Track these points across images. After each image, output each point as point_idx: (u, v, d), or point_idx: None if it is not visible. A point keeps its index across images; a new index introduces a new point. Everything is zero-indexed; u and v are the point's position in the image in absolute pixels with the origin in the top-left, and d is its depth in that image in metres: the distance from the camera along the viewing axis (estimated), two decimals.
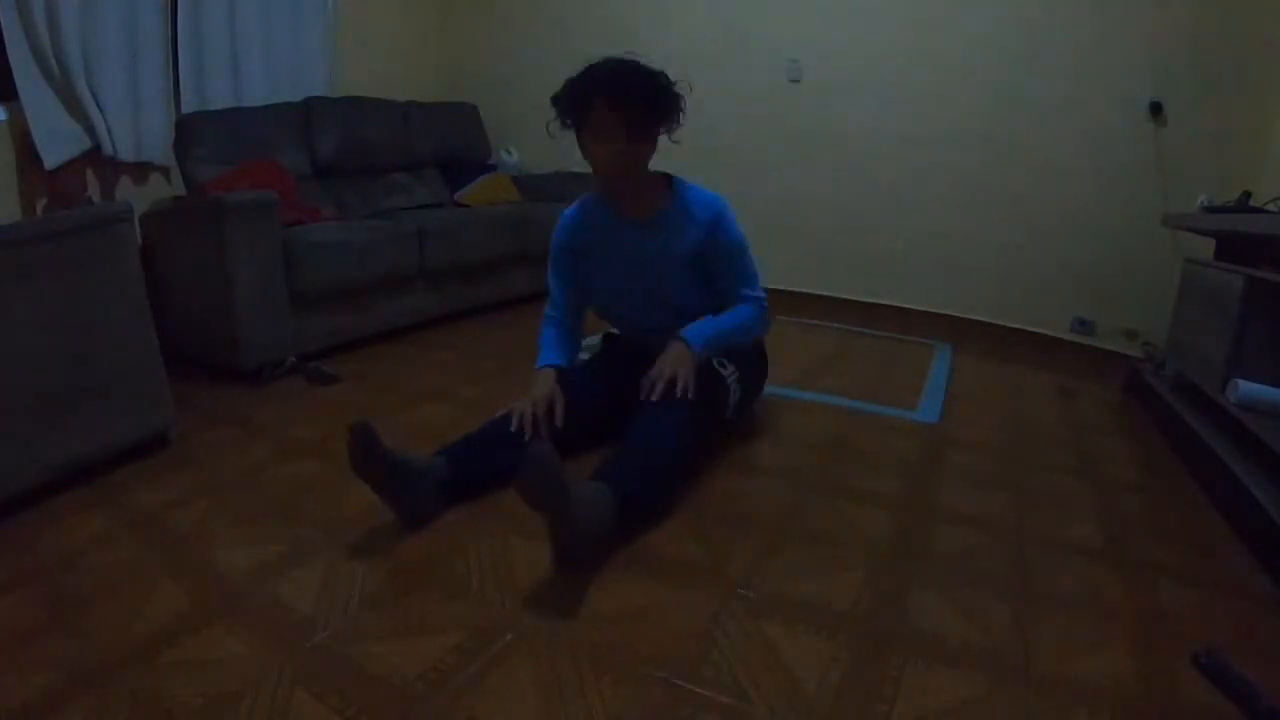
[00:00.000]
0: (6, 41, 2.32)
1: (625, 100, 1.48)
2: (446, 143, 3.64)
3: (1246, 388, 1.66)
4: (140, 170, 2.79)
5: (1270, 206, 1.98)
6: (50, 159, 2.43)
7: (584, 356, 1.90)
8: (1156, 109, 2.63)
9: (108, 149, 2.59)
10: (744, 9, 3.36)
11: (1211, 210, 2.21)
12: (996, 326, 3.11)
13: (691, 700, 0.97)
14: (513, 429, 1.51)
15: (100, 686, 0.97)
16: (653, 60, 1.55)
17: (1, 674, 1.00)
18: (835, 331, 3.10)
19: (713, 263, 1.69)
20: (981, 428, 2.07)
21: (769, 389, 2.23)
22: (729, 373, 1.70)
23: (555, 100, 1.56)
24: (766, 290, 1.78)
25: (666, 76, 1.56)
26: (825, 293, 3.45)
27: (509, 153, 3.99)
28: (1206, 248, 2.37)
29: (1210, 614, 1.23)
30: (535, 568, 1.27)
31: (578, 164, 3.74)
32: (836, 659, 1.07)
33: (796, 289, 3.49)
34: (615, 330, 1.96)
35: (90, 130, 2.54)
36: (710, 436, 1.71)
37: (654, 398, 1.48)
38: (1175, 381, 2.22)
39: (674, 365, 1.53)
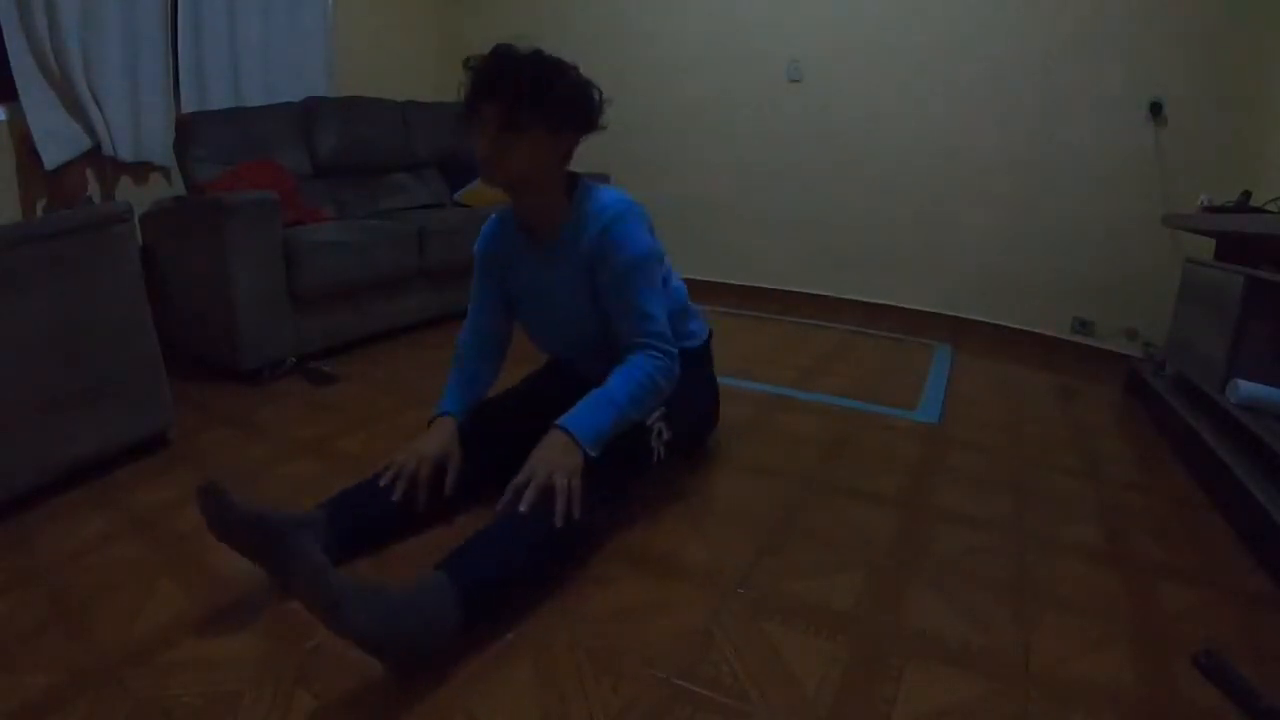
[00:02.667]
0: (6, 41, 2.32)
1: (499, 90, 1.24)
2: (446, 143, 3.64)
3: (1246, 388, 1.66)
4: (140, 170, 2.79)
5: (1270, 206, 1.98)
6: (50, 159, 2.43)
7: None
8: (1156, 109, 2.63)
9: (108, 149, 2.59)
10: (744, 9, 3.36)
11: (1211, 210, 2.21)
12: (996, 326, 3.11)
13: (691, 700, 0.97)
14: (382, 484, 1.28)
15: (100, 686, 0.97)
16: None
17: (1, 674, 1.00)
18: (835, 331, 3.10)
19: (602, 289, 1.36)
20: (981, 428, 2.07)
21: (770, 389, 2.22)
22: (660, 443, 1.42)
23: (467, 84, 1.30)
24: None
25: (570, 69, 1.32)
26: (825, 293, 3.45)
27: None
28: (1206, 248, 2.37)
29: (1210, 614, 1.23)
30: None
31: (576, 164, 3.76)
32: (836, 659, 1.07)
33: (796, 289, 3.49)
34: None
35: (90, 130, 2.54)
36: (632, 485, 1.43)
37: (522, 508, 1.13)
38: (1175, 381, 2.22)
39: (551, 468, 1.16)
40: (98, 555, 1.30)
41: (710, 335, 1.71)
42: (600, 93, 1.35)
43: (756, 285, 3.55)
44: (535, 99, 1.24)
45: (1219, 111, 2.56)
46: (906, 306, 3.30)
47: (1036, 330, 3.04)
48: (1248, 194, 2.13)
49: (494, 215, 1.54)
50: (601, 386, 1.30)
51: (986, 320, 3.14)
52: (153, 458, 1.70)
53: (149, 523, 1.42)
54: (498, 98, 1.24)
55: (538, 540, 1.14)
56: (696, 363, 1.59)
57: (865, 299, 3.38)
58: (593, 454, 1.23)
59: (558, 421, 1.24)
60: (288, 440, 1.82)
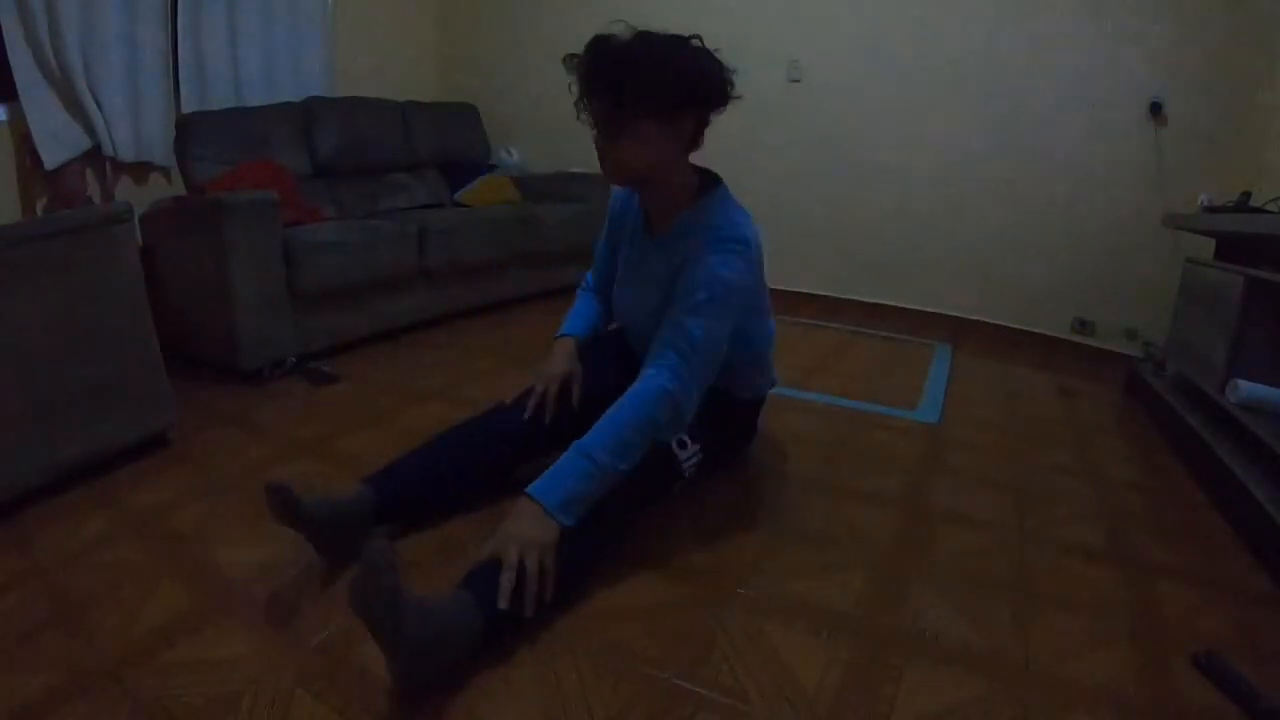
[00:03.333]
0: (6, 42, 2.32)
1: (606, 86, 1.19)
2: (446, 143, 3.64)
3: (1246, 388, 1.66)
4: (140, 170, 2.79)
5: (1270, 206, 1.98)
6: (50, 159, 2.43)
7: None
8: (1156, 109, 2.63)
9: (108, 149, 2.59)
10: (744, 9, 3.36)
11: (1211, 210, 2.21)
12: (996, 326, 3.11)
13: (691, 700, 0.97)
14: (526, 415, 1.40)
15: (100, 686, 0.97)
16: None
17: (1, 674, 1.00)
18: (835, 331, 3.10)
19: (673, 293, 1.29)
20: (981, 428, 2.07)
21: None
22: (689, 454, 1.35)
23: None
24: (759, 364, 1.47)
25: (684, 48, 1.23)
26: (825, 293, 3.45)
27: (509, 153, 3.99)
28: (1206, 248, 2.37)
29: (1210, 614, 1.23)
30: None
31: (578, 164, 3.76)
32: (836, 659, 1.07)
33: (796, 289, 3.49)
34: None
35: (90, 130, 2.54)
36: (641, 507, 1.35)
37: (501, 604, 1.01)
38: (1175, 381, 2.22)
39: (520, 547, 1.05)
40: (98, 555, 1.30)
41: (770, 389, 1.67)
42: (721, 64, 1.26)
43: None
44: (636, 91, 1.18)
45: (1219, 111, 2.56)
46: (906, 306, 3.30)
47: (1036, 330, 3.04)
48: (1248, 194, 2.13)
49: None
50: (583, 437, 1.17)
51: (986, 320, 3.14)
52: (153, 458, 1.70)
53: (149, 523, 1.42)
54: (599, 95, 1.20)
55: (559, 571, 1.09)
56: (748, 417, 1.65)
57: (865, 299, 3.38)
58: (566, 521, 1.10)
59: (527, 489, 1.12)
60: (288, 440, 1.82)
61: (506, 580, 1.02)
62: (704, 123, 1.29)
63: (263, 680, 0.98)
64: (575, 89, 1.23)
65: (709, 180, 1.37)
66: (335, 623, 1.11)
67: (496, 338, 2.84)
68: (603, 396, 1.28)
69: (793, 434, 1.95)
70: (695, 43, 1.25)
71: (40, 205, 2.48)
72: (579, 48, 1.25)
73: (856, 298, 3.40)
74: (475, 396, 2.14)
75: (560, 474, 1.14)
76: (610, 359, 1.53)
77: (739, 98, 1.28)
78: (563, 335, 1.55)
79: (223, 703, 0.94)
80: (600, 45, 1.21)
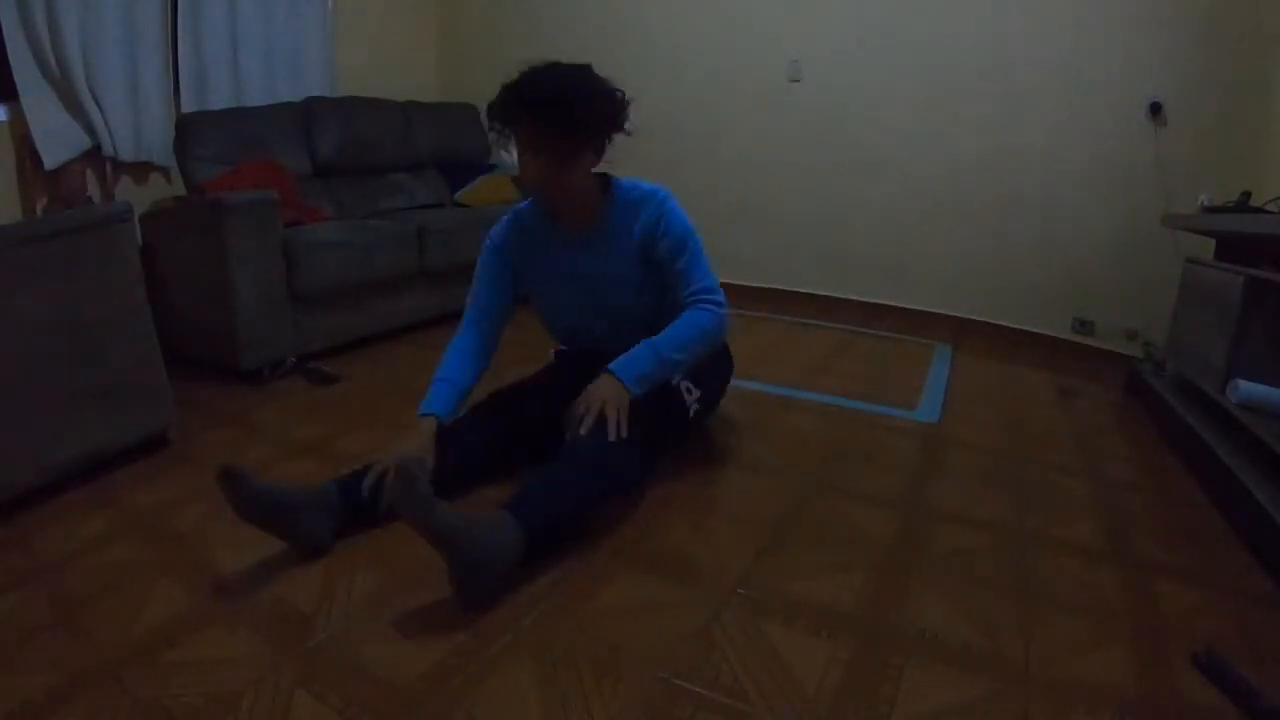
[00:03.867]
0: (6, 41, 2.33)
1: (547, 116, 1.34)
2: (446, 143, 3.64)
3: (1246, 388, 1.66)
4: (140, 170, 2.79)
5: (1270, 206, 1.98)
6: (50, 159, 2.43)
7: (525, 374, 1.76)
8: (1156, 109, 2.63)
9: (108, 149, 2.59)
10: (744, 9, 3.36)
11: (1211, 210, 2.21)
12: (996, 326, 3.11)
13: (691, 700, 0.97)
14: (364, 494, 1.33)
15: (100, 686, 0.97)
16: (613, 67, 1.43)
17: (1, 674, 1.00)
18: (835, 331, 3.10)
19: (660, 261, 1.53)
20: (981, 428, 2.07)
21: (770, 389, 2.23)
22: (693, 399, 1.60)
23: (489, 110, 1.41)
24: (724, 289, 1.53)
25: (599, 82, 1.41)
26: (825, 292, 3.45)
27: (509, 153, 3.97)
28: (1206, 248, 2.37)
29: (1210, 614, 1.23)
30: (535, 567, 1.26)
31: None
32: (836, 659, 1.07)
33: (796, 289, 3.49)
34: (562, 346, 1.80)
35: (90, 130, 2.54)
36: (665, 441, 1.59)
37: (582, 431, 1.31)
38: (1175, 381, 2.22)
39: (603, 398, 1.35)
40: (98, 555, 1.30)
41: None
42: (623, 94, 1.44)
43: (756, 285, 3.55)
44: (571, 121, 1.35)
45: (1219, 111, 2.56)
46: (906, 306, 3.30)
47: (1036, 330, 3.04)
48: (1248, 194, 2.13)
49: (508, 215, 1.65)
50: (652, 338, 1.44)
51: (986, 320, 3.14)
52: (153, 458, 1.70)
53: (149, 523, 1.42)
54: (533, 123, 1.35)
55: (590, 478, 1.30)
56: (725, 357, 1.84)
57: (865, 299, 3.38)
58: (635, 391, 1.38)
59: (608, 366, 1.40)
60: (288, 440, 1.82)
61: (590, 418, 1.32)
62: (608, 143, 1.47)
63: (263, 680, 0.98)
64: (497, 110, 1.38)
65: (601, 175, 1.55)
66: (335, 623, 1.11)
67: None
68: (527, 436, 1.55)
69: (793, 434, 1.95)
70: (594, 72, 1.43)
71: (40, 205, 2.48)
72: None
73: (856, 298, 3.40)
74: (475, 397, 2.14)
75: (632, 359, 1.42)
76: (474, 445, 1.52)
77: (630, 133, 1.48)
78: (424, 415, 1.49)
79: (223, 703, 0.94)
80: (536, 76, 1.36)
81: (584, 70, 1.41)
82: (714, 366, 1.73)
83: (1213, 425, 1.82)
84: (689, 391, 1.61)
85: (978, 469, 1.79)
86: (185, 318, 2.25)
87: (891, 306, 3.33)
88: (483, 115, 3.82)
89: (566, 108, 1.34)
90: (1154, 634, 1.16)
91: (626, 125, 1.45)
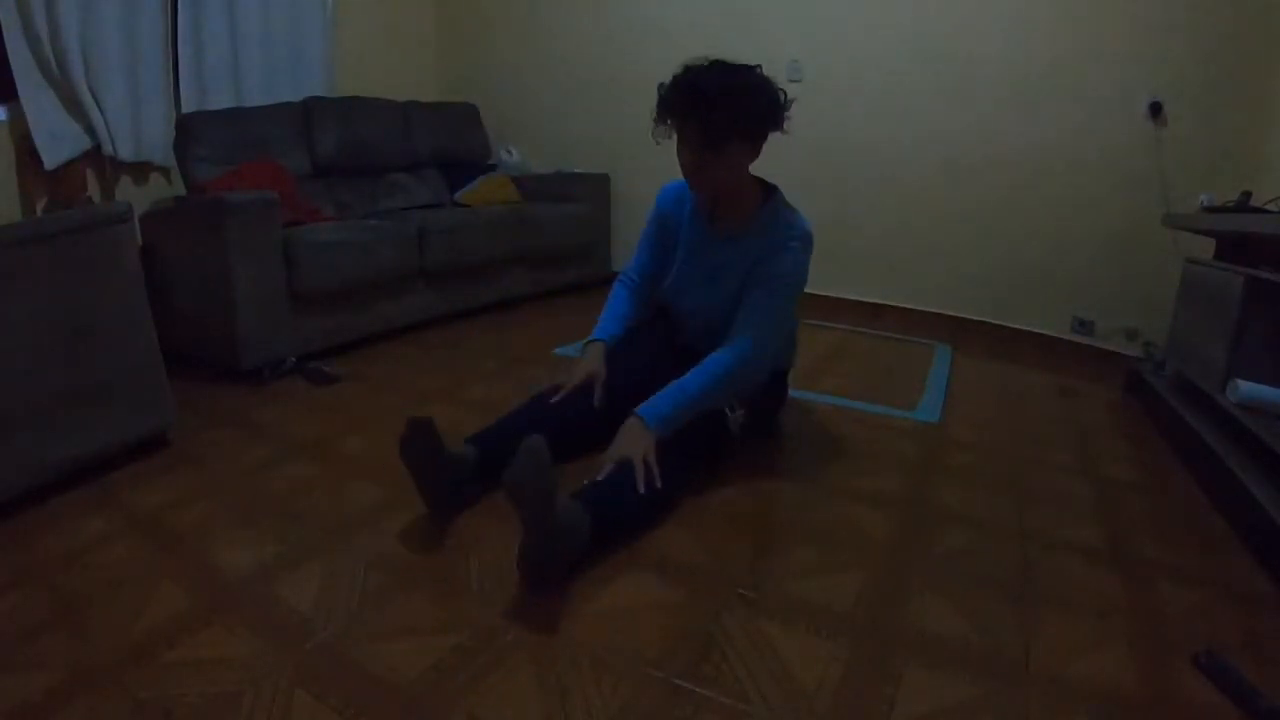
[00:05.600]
0: (6, 41, 2.33)
1: (696, 111, 1.42)
2: (446, 143, 3.64)
3: (1246, 388, 1.66)
4: (140, 170, 2.79)
5: (1270, 206, 1.98)
6: (50, 159, 2.43)
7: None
8: (1156, 109, 2.63)
9: (108, 149, 2.59)
10: (744, 9, 3.36)
11: (1211, 210, 2.21)
12: (996, 326, 3.11)
13: (691, 700, 0.97)
14: (553, 400, 1.56)
15: (100, 686, 0.97)
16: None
17: (1, 674, 1.00)
18: (835, 331, 3.10)
19: (752, 281, 1.57)
20: (982, 428, 2.07)
21: None
22: (735, 416, 1.66)
23: (657, 103, 1.49)
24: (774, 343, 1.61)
25: (758, 78, 1.47)
26: (825, 292, 3.45)
27: (509, 153, 3.99)
28: (1206, 248, 2.37)
29: (1210, 614, 1.23)
30: None
31: (578, 164, 3.76)
32: (836, 659, 1.07)
33: None
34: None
35: (90, 130, 2.54)
36: (698, 467, 1.62)
37: (599, 478, 1.36)
38: (1175, 381, 2.22)
39: (630, 450, 1.38)
40: (98, 555, 1.30)
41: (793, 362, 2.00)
42: (785, 93, 1.50)
43: None
44: (732, 118, 1.41)
45: (1219, 111, 2.56)
46: (906, 306, 3.30)
47: (1036, 330, 3.04)
48: (1248, 194, 2.13)
49: (678, 184, 1.70)
50: (683, 377, 1.50)
51: (986, 320, 3.14)
52: (153, 458, 1.70)
53: (149, 523, 1.42)
54: (697, 119, 1.42)
55: (640, 499, 1.35)
56: (779, 384, 1.93)
57: (865, 299, 3.38)
58: (662, 432, 1.42)
59: (635, 410, 1.44)
60: (288, 440, 1.82)
61: (614, 470, 1.36)
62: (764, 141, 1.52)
63: (263, 680, 0.98)
64: (661, 107, 1.46)
65: (768, 186, 1.64)
66: (335, 623, 1.11)
67: (497, 338, 2.84)
68: (634, 394, 1.51)
69: (793, 434, 1.95)
70: (761, 72, 1.48)
71: (40, 205, 2.49)
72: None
73: (856, 298, 3.40)
74: (475, 397, 2.15)
75: (660, 400, 1.46)
76: (642, 359, 1.69)
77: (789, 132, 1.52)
78: (593, 340, 1.70)
79: (223, 703, 0.94)
80: (700, 73, 1.43)
81: (745, 69, 1.46)
82: (766, 391, 1.80)
83: (1213, 425, 1.82)
84: (731, 410, 1.65)
85: (978, 469, 1.79)
86: (185, 318, 2.25)
87: (891, 306, 3.33)
88: (485, 116, 3.86)
89: (706, 101, 1.39)
90: (1154, 634, 1.16)
91: (786, 125, 1.51)
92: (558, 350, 2.61)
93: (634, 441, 1.40)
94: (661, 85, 1.47)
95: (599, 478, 1.36)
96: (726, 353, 1.51)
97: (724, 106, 1.39)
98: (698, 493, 1.57)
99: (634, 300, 1.81)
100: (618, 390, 1.61)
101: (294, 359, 2.32)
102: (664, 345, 1.75)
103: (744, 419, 1.68)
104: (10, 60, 2.34)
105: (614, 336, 1.73)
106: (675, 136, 1.48)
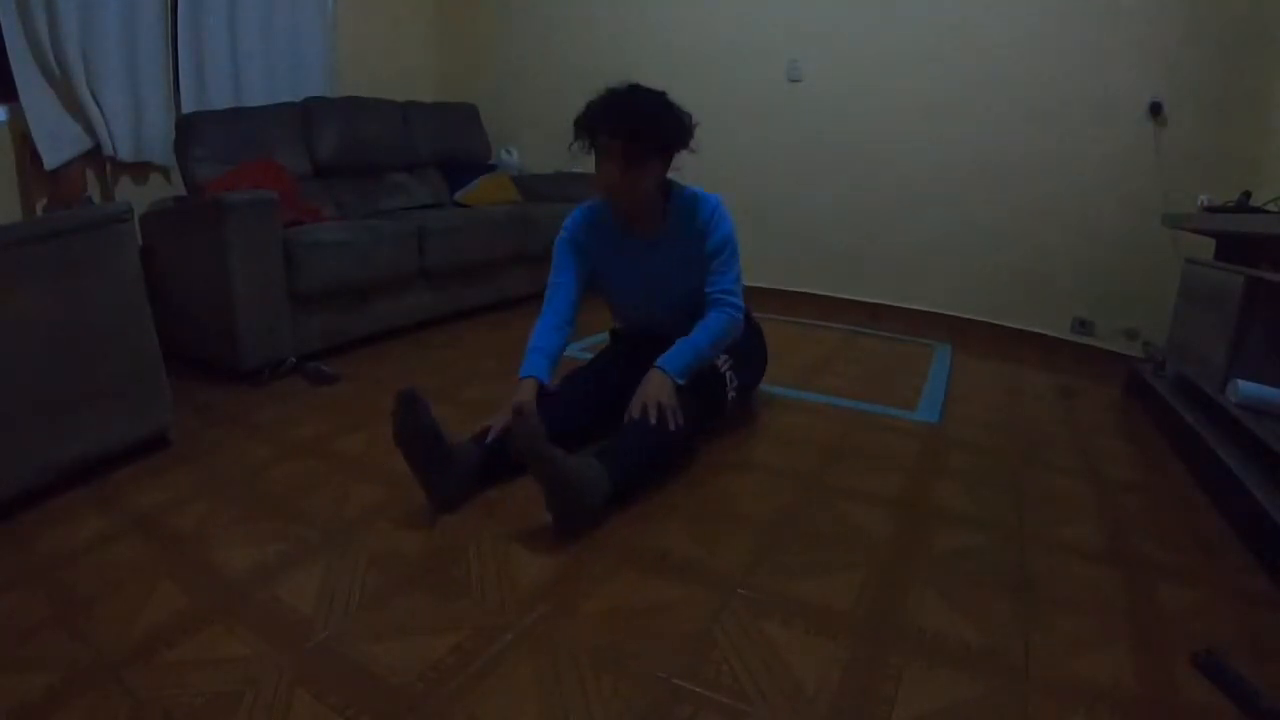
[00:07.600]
0: (6, 42, 2.33)
1: (622, 130, 1.56)
2: (446, 143, 3.64)
3: (1246, 388, 1.66)
4: (140, 170, 2.79)
5: (1270, 206, 1.98)
6: (50, 159, 2.43)
7: (587, 355, 1.94)
8: (1156, 109, 2.63)
9: (108, 149, 2.59)
10: (744, 9, 3.36)
11: (1211, 210, 2.21)
12: (996, 326, 3.11)
13: (691, 700, 0.97)
14: (488, 442, 1.54)
15: (100, 686, 0.97)
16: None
17: (1, 674, 1.00)
18: (835, 331, 3.10)
19: (706, 256, 1.75)
20: (982, 428, 2.07)
21: (770, 389, 2.23)
22: (723, 363, 1.79)
23: (575, 123, 1.64)
24: (745, 291, 1.80)
25: (671, 103, 1.64)
26: (825, 293, 3.45)
27: (509, 153, 3.99)
28: (1206, 248, 2.37)
29: (1210, 614, 1.23)
30: (535, 568, 1.27)
31: (578, 164, 3.76)
32: (836, 659, 1.07)
33: (797, 289, 3.49)
34: (620, 326, 2.04)
35: (90, 130, 2.54)
36: (709, 419, 1.79)
37: (635, 415, 1.54)
38: (1175, 381, 2.22)
39: (656, 395, 1.56)
40: (98, 555, 1.30)
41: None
42: (691, 117, 1.67)
43: (756, 285, 3.55)
44: (651, 136, 1.59)
45: (1219, 111, 2.56)
46: (906, 306, 3.30)
47: (1036, 330, 3.04)
48: (1248, 194, 2.13)
49: (580, 209, 1.84)
50: (687, 336, 1.68)
51: (986, 320, 3.14)
52: (153, 458, 1.70)
53: (149, 523, 1.42)
54: (620, 136, 1.56)
55: (658, 444, 1.53)
56: (755, 330, 2.04)
57: (865, 299, 3.38)
58: (680, 382, 1.61)
59: (656, 363, 1.62)
60: (288, 440, 1.82)
61: (641, 411, 1.54)
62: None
63: (263, 680, 0.98)
64: (583, 123, 1.61)
65: (665, 181, 1.75)
66: (335, 623, 1.11)
67: (496, 338, 2.84)
68: (593, 412, 1.71)
69: (793, 434, 1.95)
70: (669, 97, 1.66)
71: (40, 205, 2.49)
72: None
73: (856, 298, 3.40)
74: (476, 397, 2.15)
75: (676, 354, 1.64)
76: (596, 378, 1.81)
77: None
78: (525, 377, 1.67)
79: (223, 703, 0.94)
80: (627, 94, 1.61)
81: (659, 94, 1.64)
82: (750, 356, 1.98)
83: (1213, 425, 1.82)
84: (730, 380, 1.81)
85: (978, 469, 1.78)
86: (185, 318, 2.25)
87: (891, 306, 3.33)
88: (485, 116, 3.86)
89: (635, 122, 1.56)
90: (1154, 634, 1.16)
91: (692, 144, 1.68)
92: None
93: (659, 388, 1.58)
94: (592, 103, 1.62)
95: (626, 420, 1.54)
96: (717, 313, 1.72)
97: (649, 126, 1.58)
98: (696, 493, 1.57)
99: (560, 315, 1.78)
100: (587, 403, 1.74)
101: (294, 359, 2.32)
102: (624, 365, 1.82)
103: (736, 388, 1.83)
104: (10, 61, 2.34)
105: (546, 367, 1.71)
106: (595, 153, 1.62)
